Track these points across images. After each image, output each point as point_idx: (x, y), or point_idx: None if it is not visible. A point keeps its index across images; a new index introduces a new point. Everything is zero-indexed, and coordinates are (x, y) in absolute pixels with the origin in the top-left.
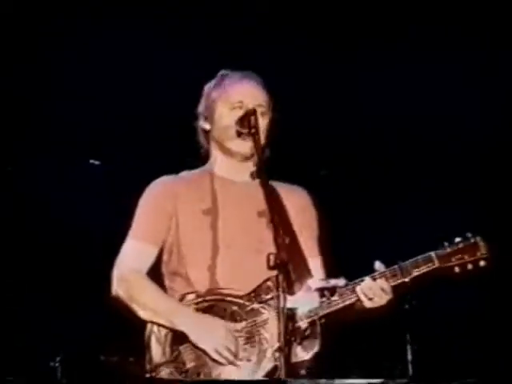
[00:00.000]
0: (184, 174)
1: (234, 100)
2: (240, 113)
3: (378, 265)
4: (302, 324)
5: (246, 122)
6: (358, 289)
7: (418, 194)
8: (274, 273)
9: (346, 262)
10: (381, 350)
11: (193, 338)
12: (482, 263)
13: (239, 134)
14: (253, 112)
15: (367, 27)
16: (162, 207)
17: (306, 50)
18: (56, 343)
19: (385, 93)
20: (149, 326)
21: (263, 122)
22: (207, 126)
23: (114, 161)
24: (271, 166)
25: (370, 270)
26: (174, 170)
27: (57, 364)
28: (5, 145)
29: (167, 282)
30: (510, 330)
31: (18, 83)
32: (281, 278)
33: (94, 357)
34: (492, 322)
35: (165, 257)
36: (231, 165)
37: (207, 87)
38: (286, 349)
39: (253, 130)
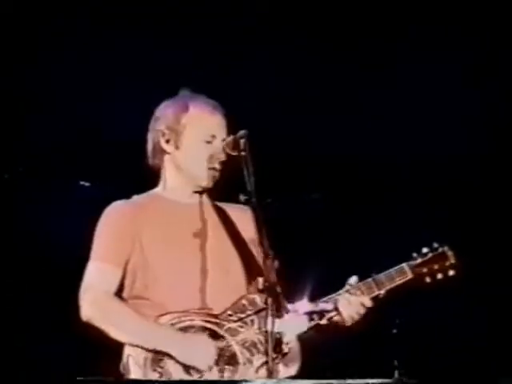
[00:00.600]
0: (137, 197)
1: (208, 132)
2: (209, 148)
3: (353, 279)
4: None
5: (236, 144)
6: (338, 304)
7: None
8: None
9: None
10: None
11: (180, 358)
12: (451, 272)
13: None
14: (243, 136)
15: (367, 27)
16: (122, 230)
17: (306, 50)
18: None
19: (385, 93)
20: (126, 349)
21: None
22: (168, 149)
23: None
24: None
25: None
26: None
27: None
28: (2, 151)
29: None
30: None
31: (17, 83)
32: (270, 300)
33: (72, 378)
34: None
35: (127, 281)
36: (187, 190)
37: (172, 107)
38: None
39: (242, 153)
